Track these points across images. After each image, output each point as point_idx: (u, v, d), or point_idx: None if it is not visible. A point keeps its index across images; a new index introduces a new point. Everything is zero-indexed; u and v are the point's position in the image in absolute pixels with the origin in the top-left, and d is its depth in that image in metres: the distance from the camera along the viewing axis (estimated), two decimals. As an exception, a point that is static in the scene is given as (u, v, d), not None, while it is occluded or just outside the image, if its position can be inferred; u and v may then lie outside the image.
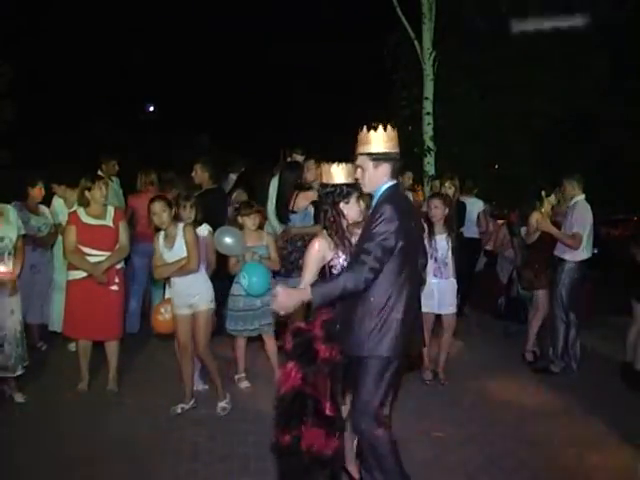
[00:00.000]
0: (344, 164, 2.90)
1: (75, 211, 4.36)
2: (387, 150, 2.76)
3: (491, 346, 5.79)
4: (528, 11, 8.99)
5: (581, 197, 5.05)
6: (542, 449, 3.71)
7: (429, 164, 8.55)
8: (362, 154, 2.77)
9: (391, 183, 2.79)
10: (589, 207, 5.05)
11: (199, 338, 3.99)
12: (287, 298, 2.63)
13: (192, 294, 3.95)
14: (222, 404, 4.12)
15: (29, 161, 9.99)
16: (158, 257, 3.99)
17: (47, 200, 5.44)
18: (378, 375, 2.71)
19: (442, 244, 4.68)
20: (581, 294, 5.13)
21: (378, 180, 2.77)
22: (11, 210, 4.20)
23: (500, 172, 10.28)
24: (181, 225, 3.96)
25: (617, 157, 10.00)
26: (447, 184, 5.82)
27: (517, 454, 3.63)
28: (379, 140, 2.75)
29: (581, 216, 4.96)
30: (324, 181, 2.94)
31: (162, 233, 3.98)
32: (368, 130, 2.76)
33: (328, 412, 2.75)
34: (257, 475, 3.29)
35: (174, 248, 3.92)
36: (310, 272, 2.90)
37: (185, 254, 3.90)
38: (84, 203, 4.32)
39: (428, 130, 8.58)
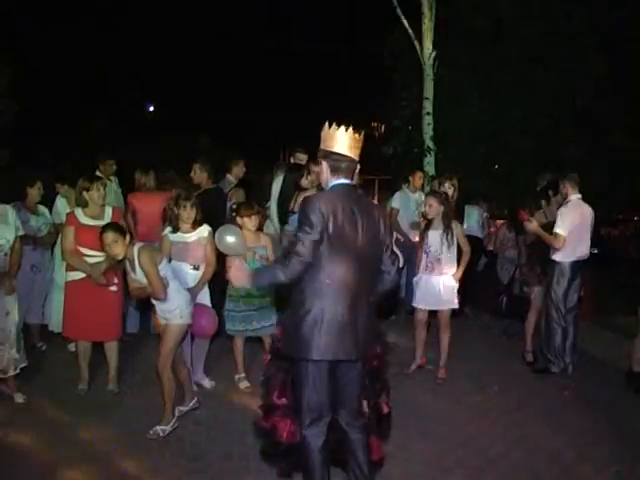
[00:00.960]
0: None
1: (73, 212, 4.35)
2: (325, 148, 2.78)
3: (491, 346, 5.79)
4: (528, 11, 9.00)
5: (574, 197, 5.01)
6: (542, 449, 3.71)
7: (429, 164, 8.55)
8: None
9: (338, 182, 2.76)
10: (583, 208, 5.01)
11: (162, 350, 3.74)
12: (238, 273, 2.79)
13: (166, 309, 3.79)
14: (160, 427, 3.73)
15: (29, 161, 10.00)
16: (131, 279, 3.82)
17: (50, 200, 5.43)
18: (304, 378, 2.70)
19: (435, 239, 4.72)
20: (578, 294, 5.11)
21: (324, 177, 2.83)
22: (10, 210, 4.19)
23: (500, 172, 10.27)
24: (136, 250, 3.69)
25: (617, 157, 9.98)
26: (447, 184, 5.82)
27: (517, 454, 3.63)
28: (323, 138, 2.82)
29: (565, 216, 4.91)
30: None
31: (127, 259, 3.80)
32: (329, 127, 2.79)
33: (275, 400, 2.84)
34: (257, 475, 3.29)
35: (137, 272, 3.72)
36: None
37: (145, 279, 3.70)
38: (82, 204, 4.31)
39: (428, 130, 8.57)
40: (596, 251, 8.71)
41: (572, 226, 4.89)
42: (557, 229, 4.89)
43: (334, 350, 2.65)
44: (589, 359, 5.49)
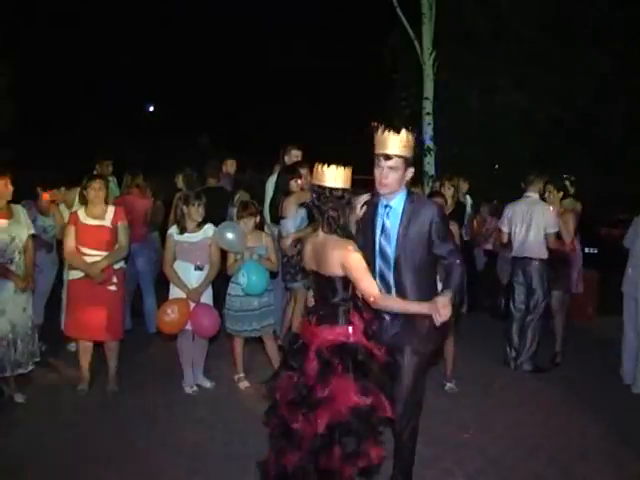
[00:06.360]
0: (345, 168, 2.74)
1: (76, 211, 4.38)
2: (412, 155, 2.81)
3: (491, 346, 5.78)
4: (528, 11, 9.01)
5: (526, 195, 5.21)
6: (542, 449, 3.71)
7: (429, 164, 8.55)
8: (399, 157, 2.73)
9: (406, 188, 2.88)
10: (530, 206, 5.10)
11: None
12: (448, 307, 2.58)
13: None
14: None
15: (29, 161, 9.99)
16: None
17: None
18: (425, 368, 2.96)
19: None
20: (540, 298, 5.16)
21: (403, 183, 2.82)
22: (21, 210, 4.25)
23: (500, 172, 10.27)
24: None
25: (617, 157, 9.98)
26: (446, 184, 5.84)
27: (517, 454, 3.63)
28: (410, 144, 2.76)
29: (503, 213, 5.33)
30: (328, 184, 2.70)
31: None
32: (407, 132, 2.73)
33: (391, 415, 2.70)
34: (257, 475, 3.28)
35: None
36: (369, 277, 2.69)
37: None
38: (84, 202, 4.34)
39: (428, 130, 8.58)
40: (596, 251, 8.75)
41: (512, 223, 5.17)
42: (499, 224, 5.41)
43: None
44: (589, 359, 5.49)
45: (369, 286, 2.65)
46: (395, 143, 2.71)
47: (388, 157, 2.71)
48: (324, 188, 2.69)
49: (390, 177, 2.74)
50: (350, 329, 2.70)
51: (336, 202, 2.69)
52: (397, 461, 2.97)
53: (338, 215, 2.70)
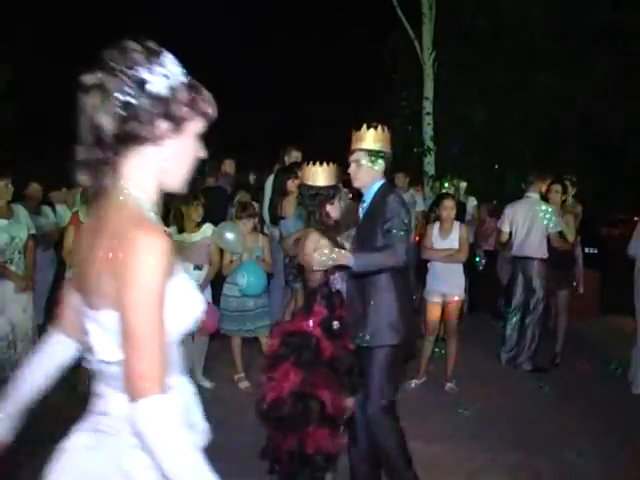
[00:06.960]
0: (327, 165, 2.89)
1: (77, 211, 4.40)
2: (383, 149, 2.84)
3: (491, 346, 5.78)
4: (528, 11, 9.01)
5: (525, 195, 5.25)
6: (542, 449, 3.71)
7: (429, 164, 8.55)
8: (360, 150, 2.83)
9: (383, 181, 2.91)
10: (530, 206, 5.13)
11: None
12: (328, 254, 2.50)
13: None
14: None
15: (29, 161, 9.99)
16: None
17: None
18: (390, 364, 2.82)
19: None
20: (538, 298, 5.17)
21: (373, 177, 2.86)
22: (21, 210, 4.26)
23: (500, 172, 10.26)
24: None
25: (618, 157, 9.98)
26: (447, 184, 5.85)
27: (517, 454, 3.63)
28: (376, 138, 2.83)
29: (503, 213, 5.36)
30: (308, 182, 2.90)
31: None
32: (368, 128, 2.81)
33: (330, 411, 2.72)
34: (257, 475, 3.28)
35: None
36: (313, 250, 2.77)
37: None
38: (85, 202, 4.35)
39: (428, 130, 8.57)
40: (596, 251, 8.75)
41: (513, 222, 5.19)
42: (498, 223, 5.43)
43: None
44: (589, 359, 5.49)
45: (308, 254, 2.73)
46: (359, 139, 2.84)
47: (353, 152, 2.85)
48: (305, 186, 2.90)
49: (358, 172, 2.84)
50: (311, 321, 2.79)
51: (313, 199, 2.88)
52: (382, 462, 2.96)
53: (314, 210, 2.88)
